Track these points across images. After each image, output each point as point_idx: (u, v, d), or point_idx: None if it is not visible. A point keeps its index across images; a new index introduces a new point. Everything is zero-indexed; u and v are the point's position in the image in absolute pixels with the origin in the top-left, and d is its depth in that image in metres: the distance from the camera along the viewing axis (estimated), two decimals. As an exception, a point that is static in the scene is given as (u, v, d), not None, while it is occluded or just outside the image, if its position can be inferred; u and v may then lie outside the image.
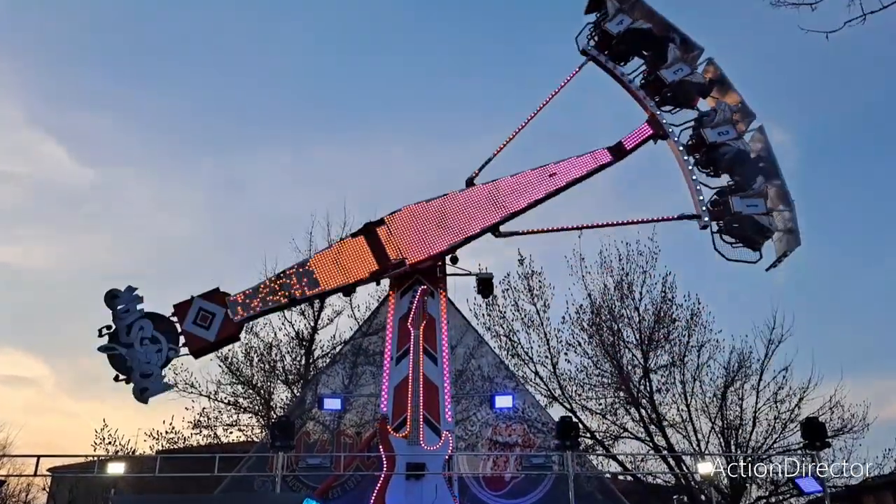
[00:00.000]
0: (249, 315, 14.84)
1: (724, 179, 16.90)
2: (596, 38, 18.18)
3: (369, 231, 15.69)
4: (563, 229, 16.71)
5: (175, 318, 14.46)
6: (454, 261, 16.64)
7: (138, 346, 13.82)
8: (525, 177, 16.49)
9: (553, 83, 17.82)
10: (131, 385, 13.71)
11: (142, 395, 13.69)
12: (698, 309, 20.86)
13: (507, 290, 22.05)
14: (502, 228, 16.31)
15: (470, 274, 17.14)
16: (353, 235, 15.85)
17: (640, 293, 21.15)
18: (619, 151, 16.95)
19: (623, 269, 21.49)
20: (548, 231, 16.71)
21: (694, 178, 16.65)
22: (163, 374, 13.92)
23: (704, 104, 17.72)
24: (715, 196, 16.63)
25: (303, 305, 23.28)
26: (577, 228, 16.89)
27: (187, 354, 14.36)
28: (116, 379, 13.74)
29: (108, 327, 13.88)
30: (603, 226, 17.06)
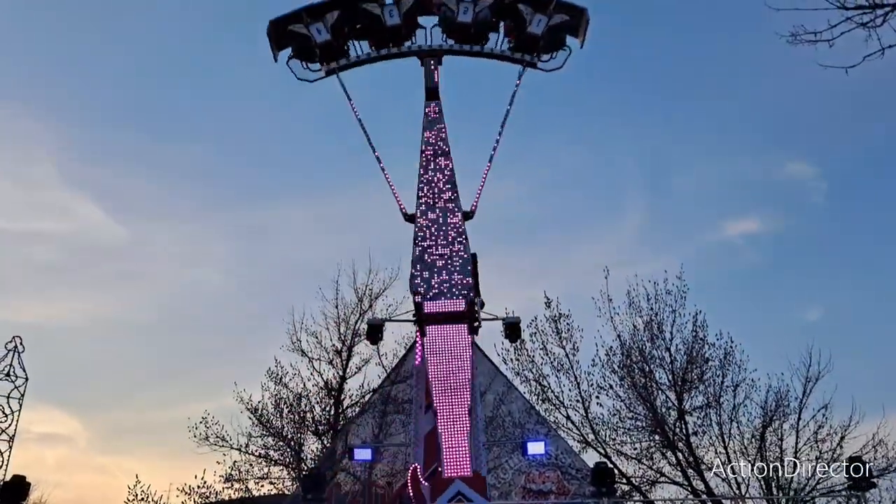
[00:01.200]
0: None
1: (494, 38, 18.30)
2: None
3: (428, 318, 15.36)
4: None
5: None
6: (480, 306, 16.57)
7: None
8: (426, 172, 16.66)
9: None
10: None
11: None
12: (731, 347, 20.56)
13: (535, 333, 21.91)
14: (468, 208, 16.52)
15: (496, 318, 17.04)
16: (423, 334, 15.20)
17: (671, 333, 20.91)
18: (432, 93, 17.73)
19: (652, 308, 21.30)
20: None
21: (493, 50, 18.19)
22: None
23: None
24: (516, 46, 18.07)
25: (331, 354, 23.38)
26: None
27: None
28: None
29: None
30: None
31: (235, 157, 71.12)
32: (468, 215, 16.41)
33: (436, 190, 16.58)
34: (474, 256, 15.97)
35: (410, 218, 16.41)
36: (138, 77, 67.16)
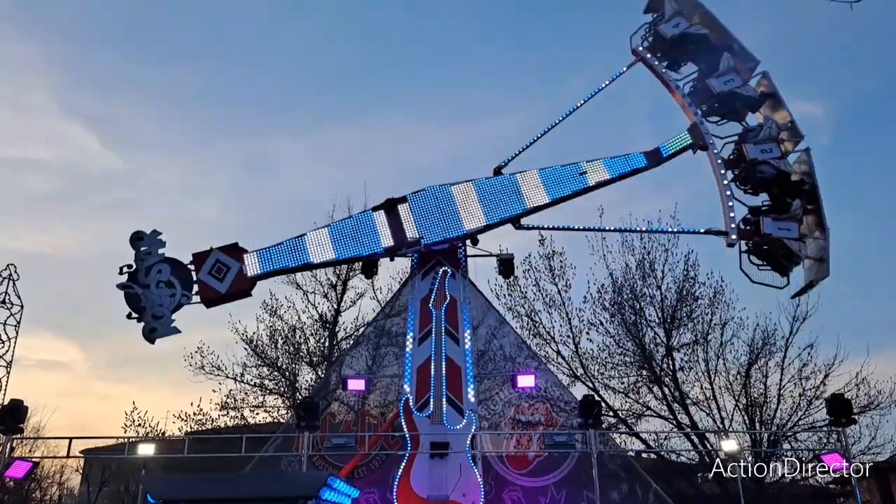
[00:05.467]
0: (263, 272, 15.07)
1: (761, 199, 16.53)
2: (650, 40, 18.02)
3: (391, 207, 15.78)
4: (584, 229, 16.97)
5: (192, 267, 14.81)
6: (474, 242, 16.66)
7: (154, 288, 14.25)
8: (554, 173, 16.39)
9: (594, 76, 17.85)
10: (142, 324, 14.12)
11: (150, 335, 14.14)
12: (721, 287, 20.71)
13: (528, 270, 22.03)
14: (523, 221, 16.34)
15: (490, 255, 17.18)
16: (374, 209, 15.92)
17: (663, 271, 21.02)
18: (655, 157, 16.72)
19: (644, 247, 21.35)
20: (568, 229, 16.81)
21: (728, 192, 16.31)
22: (172, 318, 14.25)
23: (753, 119, 17.36)
24: (748, 215, 16.32)
25: (325, 287, 23.52)
26: (597, 230, 17.07)
27: (198, 303, 14.62)
28: (129, 316, 14.11)
29: (129, 266, 14.24)
30: (624, 231, 17.07)
31: (233, 88, 69.95)
32: (517, 223, 16.43)
33: (542, 186, 16.46)
34: (474, 240, 16.46)
35: (497, 171, 16.72)
36: (136, 3, 65.38)
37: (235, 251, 15.14)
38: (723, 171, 16.53)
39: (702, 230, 16.59)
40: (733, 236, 16.00)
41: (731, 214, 16.15)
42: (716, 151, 16.80)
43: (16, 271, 16.20)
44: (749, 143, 16.32)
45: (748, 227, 16.11)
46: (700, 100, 17.21)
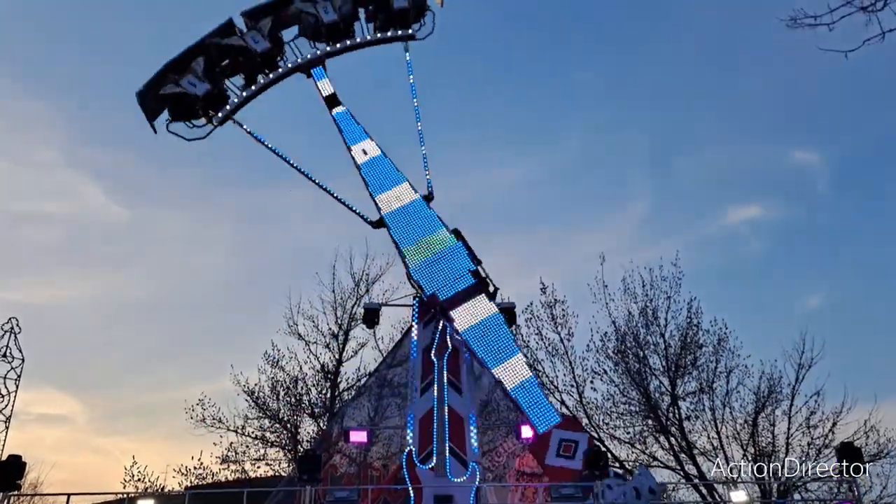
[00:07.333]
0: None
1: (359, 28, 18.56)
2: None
3: (435, 302, 15.42)
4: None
5: None
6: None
7: None
8: (373, 172, 16.89)
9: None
10: None
11: None
12: (725, 334, 20.68)
13: (531, 318, 22.05)
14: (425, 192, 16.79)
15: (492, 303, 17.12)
16: (450, 321, 15.34)
17: (666, 319, 21.03)
18: (330, 102, 17.90)
19: (647, 295, 21.39)
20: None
21: (370, 38, 18.36)
22: None
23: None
24: (383, 25, 18.29)
25: (327, 338, 23.42)
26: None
27: None
28: None
29: None
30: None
31: (236, 139, 70.84)
32: (428, 198, 16.58)
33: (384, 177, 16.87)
34: (457, 231, 16.21)
35: (376, 224, 16.44)
36: (140, 57, 66.78)
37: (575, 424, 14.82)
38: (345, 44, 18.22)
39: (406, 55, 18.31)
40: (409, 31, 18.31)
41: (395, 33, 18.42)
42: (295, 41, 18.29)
43: (17, 324, 16.12)
44: (331, 15, 18.02)
45: (383, 24, 18.30)
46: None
